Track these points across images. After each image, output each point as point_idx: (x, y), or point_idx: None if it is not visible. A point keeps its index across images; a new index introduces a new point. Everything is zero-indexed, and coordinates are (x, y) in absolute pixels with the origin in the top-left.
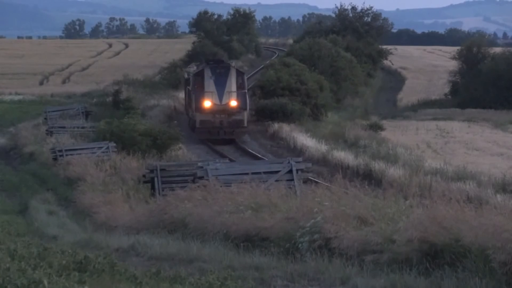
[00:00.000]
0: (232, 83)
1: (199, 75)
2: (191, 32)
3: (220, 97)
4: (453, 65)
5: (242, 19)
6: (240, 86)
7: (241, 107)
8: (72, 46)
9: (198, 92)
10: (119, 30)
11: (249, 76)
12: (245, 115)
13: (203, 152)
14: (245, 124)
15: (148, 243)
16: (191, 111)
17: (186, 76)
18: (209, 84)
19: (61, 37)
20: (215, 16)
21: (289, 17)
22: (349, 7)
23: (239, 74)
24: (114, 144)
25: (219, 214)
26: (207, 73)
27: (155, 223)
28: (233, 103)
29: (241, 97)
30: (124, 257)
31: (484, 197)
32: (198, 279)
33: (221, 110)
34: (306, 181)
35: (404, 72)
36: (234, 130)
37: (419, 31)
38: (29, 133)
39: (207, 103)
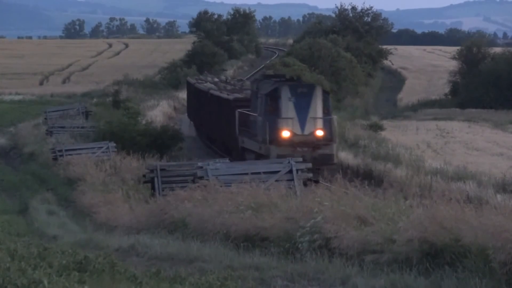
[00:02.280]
0: (317, 107)
1: (272, 95)
2: (191, 32)
3: (302, 126)
4: (453, 65)
5: (242, 19)
6: (325, 111)
7: (328, 138)
8: (72, 46)
9: (272, 118)
10: (119, 30)
11: (249, 76)
12: (334, 149)
13: (203, 152)
14: (335, 160)
15: (148, 243)
16: (257, 142)
17: (206, 90)
18: (288, 108)
19: (61, 37)
20: (215, 16)
21: (289, 17)
22: (349, 7)
23: (325, 94)
24: (114, 144)
25: (219, 214)
26: (285, 93)
27: (155, 223)
28: (319, 132)
29: (327, 125)
30: (124, 257)
31: (484, 197)
32: (198, 279)
33: (304, 142)
34: (306, 181)
35: (404, 72)
36: (320, 168)
37: (419, 31)
38: (29, 133)
39: (285, 133)
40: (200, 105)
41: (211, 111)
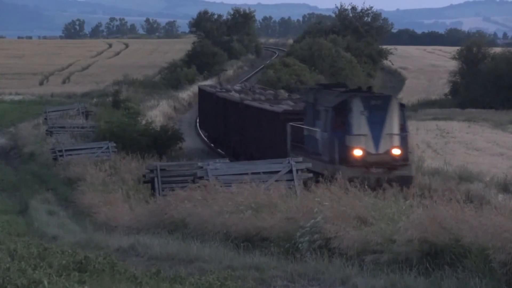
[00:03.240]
0: (393, 122)
1: (341, 108)
2: (191, 32)
3: (377, 143)
4: (453, 65)
5: (242, 19)
6: (401, 126)
7: (406, 157)
8: (72, 46)
9: (340, 134)
10: (119, 30)
11: (249, 76)
12: (413, 170)
13: (203, 152)
14: (414, 184)
15: (148, 243)
16: (320, 161)
17: (237, 101)
18: (360, 123)
19: (61, 37)
20: (215, 16)
21: (289, 17)
22: (349, 7)
23: (401, 107)
24: (114, 144)
25: (219, 214)
26: (357, 106)
27: (155, 223)
28: (396, 151)
29: (404, 143)
30: (124, 257)
31: (484, 197)
32: (198, 279)
33: (378, 162)
34: (306, 181)
35: (404, 72)
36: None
37: (419, 31)
38: (29, 133)
39: (357, 152)
40: (226, 116)
41: (245, 123)
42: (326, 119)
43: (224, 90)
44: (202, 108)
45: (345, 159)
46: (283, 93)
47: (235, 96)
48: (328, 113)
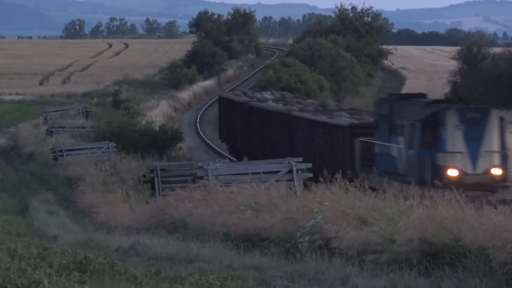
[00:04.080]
0: (493, 138)
1: (431, 122)
2: (191, 32)
3: (474, 162)
4: (453, 65)
5: (242, 19)
6: (501, 143)
7: (506, 178)
8: (72, 46)
9: (430, 151)
10: (119, 30)
11: (249, 76)
12: None
13: (203, 152)
14: None
15: (148, 243)
16: (404, 182)
17: (284, 113)
18: (455, 139)
19: (61, 37)
20: (215, 16)
21: (289, 17)
22: (349, 7)
23: (501, 121)
24: (114, 144)
25: (219, 214)
26: (451, 120)
27: (155, 223)
28: (496, 171)
29: (504, 161)
30: (124, 257)
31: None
32: (198, 279)
33: (476, 183)
34: (306, 181)
35: (404, 72)
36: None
37: (419, 31)
38: (29, 133)
39: (452, 172)
40: (264, 129)
41: (293, 137)
42: (412, 134)
43: (255, 99)
44: (225, 118)
45: (437, 180)
46: (331, 102)
47: (277, 106)
48: (415, 127)
